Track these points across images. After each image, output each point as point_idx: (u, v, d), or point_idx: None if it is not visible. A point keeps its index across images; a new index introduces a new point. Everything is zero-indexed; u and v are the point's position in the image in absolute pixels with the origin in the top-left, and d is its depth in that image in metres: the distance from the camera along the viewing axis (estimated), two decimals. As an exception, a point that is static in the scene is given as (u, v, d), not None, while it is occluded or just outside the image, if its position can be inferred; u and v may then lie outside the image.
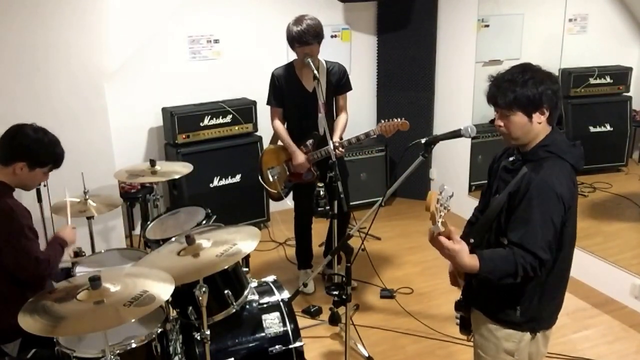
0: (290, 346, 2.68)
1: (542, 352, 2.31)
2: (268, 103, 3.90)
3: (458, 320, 2.44)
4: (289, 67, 3.85)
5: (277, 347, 2.65)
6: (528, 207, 2.04)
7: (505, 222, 2.15)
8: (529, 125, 2.10)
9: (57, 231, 2.93)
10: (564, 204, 2.05)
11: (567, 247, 2.18)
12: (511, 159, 2.24)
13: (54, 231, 3.81)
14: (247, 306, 2.73)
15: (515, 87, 2.07)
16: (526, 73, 2.09)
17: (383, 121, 3.65)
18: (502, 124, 2.15)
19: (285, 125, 3.92)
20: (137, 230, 4.83)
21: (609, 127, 5.17)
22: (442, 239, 1.98)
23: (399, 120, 3.61)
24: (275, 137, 3.97)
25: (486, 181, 2.41)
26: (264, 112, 4.41)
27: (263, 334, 2.68)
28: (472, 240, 2.16)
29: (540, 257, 2.01)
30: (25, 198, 3.57)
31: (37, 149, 2.67)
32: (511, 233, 2.08)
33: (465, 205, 3.13)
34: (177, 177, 3.67)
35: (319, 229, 4.31)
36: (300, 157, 3.78)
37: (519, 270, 2.02)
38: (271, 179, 3.94)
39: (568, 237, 2.15)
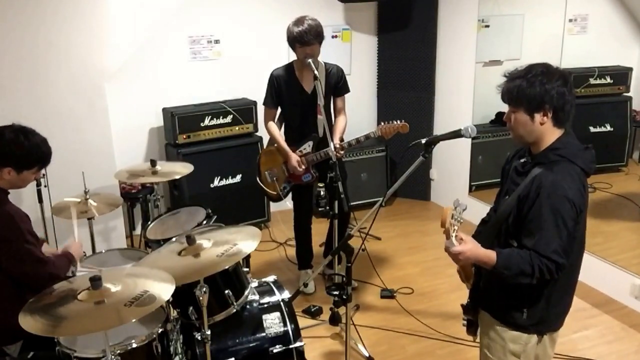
0: (291, 346, 2.68)
1: (548, 354, 2.30)
2: (265, 103, 3.89)
3: (465, 322, 2.43)
4: (289, 68, 3.85)
5: (277, 347, 2.66)
6: (540, 213, 2.02)
7: (513, 225, 2.13)
8: (531, 125, 2.08)
9: (65, 246, 2.90)
10: (576, 207, 2.03)
11: (576, 252, 2.16)
12: (522, 160, 2.22)
13: (54, 232, 3.83)
14: (248, 306, 2.73)
15: (522, 84, 2.06)
16: (537, 71, 2.06)
17: (383, 123, 3.66)
18: (509, 120, 2.15)
19: (284, 127, 3.93)
20: (138, 230, 4.83)
21: (609, 127, 5.16)
22: (452, 249, 2.01)
23: (399, 122, 3.61)
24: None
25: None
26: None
27: (263, 334, 2.68)
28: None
29: (555, 261, 2.00)
30: (25, 199, 3.59)
31: (19, 154, 2.55)
32: (525, 239, 2.07)
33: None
34: (177, 177, 3.67)
35: (320, 229, 4.31)
36: (293, 158, 3.78)
37: (536, 271, 2.00)
38: (269, 180, 3.93)
39: (577, 242, 2.13)
